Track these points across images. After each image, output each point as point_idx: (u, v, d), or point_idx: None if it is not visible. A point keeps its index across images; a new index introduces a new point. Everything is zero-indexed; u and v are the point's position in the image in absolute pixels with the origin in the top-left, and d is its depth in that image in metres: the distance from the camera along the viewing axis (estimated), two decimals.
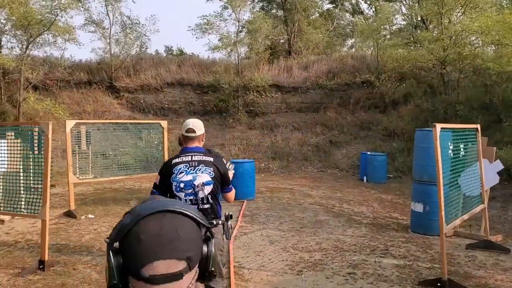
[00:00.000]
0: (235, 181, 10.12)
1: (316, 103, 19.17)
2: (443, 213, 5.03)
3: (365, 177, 14.01)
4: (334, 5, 25.42)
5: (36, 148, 7.02)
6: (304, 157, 17.15)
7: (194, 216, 0.99)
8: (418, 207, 7.65)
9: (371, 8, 26.01)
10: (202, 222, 1.01)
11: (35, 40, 17.05)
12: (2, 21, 16.76)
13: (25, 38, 16.64)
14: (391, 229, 8.06)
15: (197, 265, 0.99)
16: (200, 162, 3.53)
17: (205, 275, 1.03)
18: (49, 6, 16.88)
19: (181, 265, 0.94)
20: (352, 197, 11.28)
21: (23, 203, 6.39)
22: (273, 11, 24.90)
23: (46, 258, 5.71)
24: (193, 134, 3.63)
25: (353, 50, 24.83)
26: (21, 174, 6.99)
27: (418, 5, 17.24)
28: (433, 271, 5.76)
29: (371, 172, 13.83)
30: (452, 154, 5.94)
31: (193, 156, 3.56)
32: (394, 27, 20.69)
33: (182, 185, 3.45)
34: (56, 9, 16.67)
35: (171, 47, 25.08)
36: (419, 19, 19.94)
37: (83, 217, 8.75)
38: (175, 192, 3.45)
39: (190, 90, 19.68)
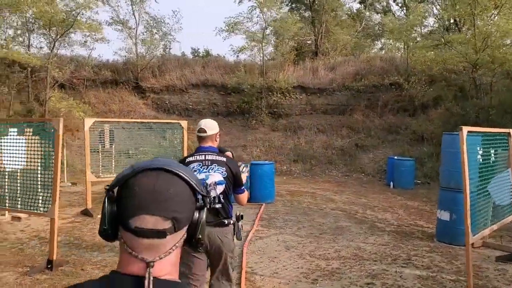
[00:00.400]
0: (253, 183, 9.93)
1: (342, 105, 18.75)
2: (469, 221, 4.65)
3: (391, 183, 13.53)
4: (363, 6, 24.89)
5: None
6: (328, 160, 16.77)
7: (189, 180, 1.03)
8: (444, 215, 7.22)
9: (402, 10, 25.37)
10: (197, 189, 1.04)
11: (62, 39, 17.25)
12: (30, 20, 17.03)
13: (52, 37, 16.85)
14: (416, 237, 7.65)
15: (185, 229, 1.04)
16: (213, 161, 3.50)
17: (192, 242, 1.07)
18: (69, 5, 17.07)
19: (167, 224, 0.98)
20: (377, 203, 10.86)
21: (40, 201, 6.27)
22: (301, 11, 24.54)
23: (55, 258, 5.58)
24: (204, 134, 3.60)
25: (383, 52, 24.27)
26: (39, 171, 6.89)
27: (451, 6, 16.59)
28: (458, 284, 5.35)
29: (398, 178, 13.35)
30: (481, 160, 5.53)
31: (207, 155, 3.53)
32: (425, 29, 20.03)
33: None
34: (77, 8, 16.80)
35: (198, 49, 25.09)
36: (452, 21, 19.32)
37: (99, 216, 8.65)
38: None
39: (214, 91, 19.58)
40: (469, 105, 15.38)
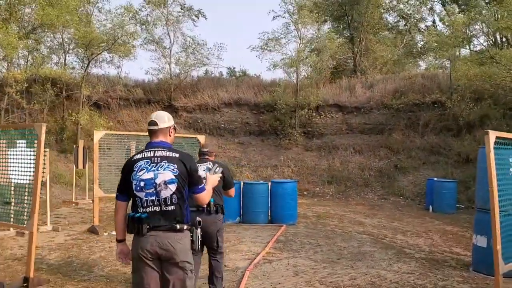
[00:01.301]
0: (274, 203, 9.22)
1: (381, 124, 17.76)
2: (498, 246, 3.80)
3: (431, 206, 12.43)
4: (405, 22, 23.89)
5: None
6: (364, 182, 15.78)
7: None
8: (481, 241, 6.24)
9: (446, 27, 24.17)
10: None
11: (96, 58, 17.47)
12: (66, 40, 17.37)
13: (86, 56, 17.07)
14: (448, 266, 6.66)
15: None
16: (163, 158, 3.10)
17: None
18: (112, 27, 17.30)
19: None
20: (410, 228, 9.85)
21: (25, 214, 5.87)
22: (339, 29, 23.88)
23: (31, 275, 5.12)
24: (155, 127, 3.20)
25: (424, 69, 23.12)
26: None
27: (496, 20, 15.47)
28: None
29: (438, 201, 12.22)
30: None
31: (156, 152, 3.12)
32: (473, 47, 18.77)
33: (142, 183, 3.03)
34: (119, 33, 17.01)
35: (234, 68, 24.84)
36: (499, 37, 18.12)
37: (106, 233, 8.23)
38: (135, 191, 3.04)
39: (246, 110, 19.15)
40: None
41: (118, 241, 3.22)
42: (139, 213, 3.00)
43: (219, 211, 4.69)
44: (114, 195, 3.28)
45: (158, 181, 3.02)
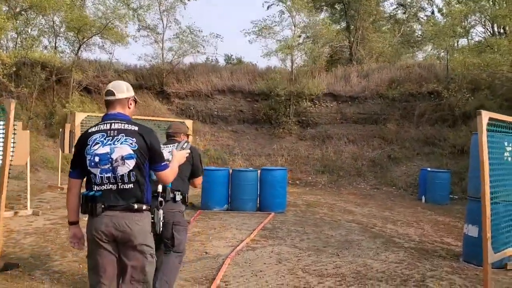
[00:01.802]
0: (263, 191, 8.97)
1: (375, 114, 17.52)
2: (488, 234, 3.58)
3: (423, 197, 12.23)
4: (403, 10, 23.51)
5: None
6: (357, 172, 15.58)
7: None
8: (472, 231, 6.03)
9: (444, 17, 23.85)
10: None
11: (87, 42, 17.12)
12: (57, 23, 16.98)
13: (78, 40, 16.72)
14: (438, 256, 6.46)
15: None
16: (120, 131, 2.81)
17: None
18: (104, 12, 16.94)
19: None
20: (401, 217, 9.65)
21: None
22: (336, 16, 23.51)
23: None
24: (112, 97, 2.91)
25: (421, 58, 22.82)
26: None
27: (493, 5, 15.18)
28: None
29: (431, 191, 12.03)
30: (510, 159, 4.40)
31: (113, 124, 2.85)
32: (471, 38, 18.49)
33: (97, 159, 2.75)
34: (110, 17, 16.67)
35: (231, 55, 24.48)
36: (496, 28, 17.84)
37: (86, 218, 7.97)
38: (89, 167, 2.76)
39: (240, 98, 18.83)
40: None
41: (70, 223, 2.93)
42: (93, 192, 2.73)
43: (179, 200, 3.93)
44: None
45: (114, 156, 2.74)
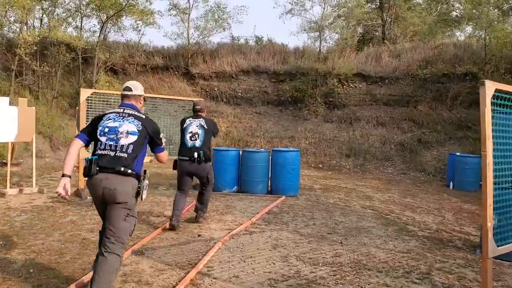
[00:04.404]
0: (274, 173, 8.55)
1: (407, 96, 16.65)
2: (489, 224, 3.07)
3: (451, 183, 11.50)
4: None
5: None
6: (385, 156, 14.88)
7: None
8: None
9: None
10: None
11: (114, 23, 17.03)
12: (83, 2, 16.95)
13: (102, 19, 16.65)
14: (452, 246, 5.89)
15: None
16: (130, 115, 3.59)
17: None
18: None
19: None
20: (423, 204, 9.03)
21: None
22: None
23: None
24: (129, 92, 3.75)
25: (458, 38, 21.49)
26: None
27: None
28: None
29: (460, 177, 11.28)
30: None
31: (126, 110, 3.64)
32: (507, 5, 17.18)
33: (106, 129, 3.47)
34: None
35: (262, 37, 23.85)
36: None
37: (89, 197, 7.82)
38: (98, 135, 3.48)
39: (265, 78, 18.32)
40: None
41: (63, 175, 3.37)
42: (94, 156, 3.39)
43: (207, 160, 6.15)
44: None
45: (121, 129, 3.45)
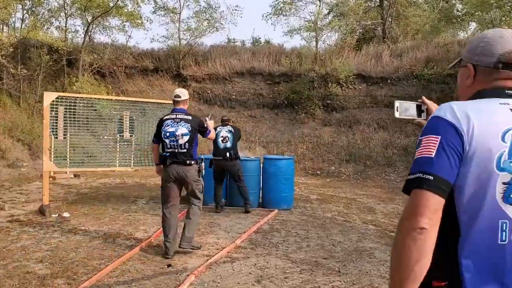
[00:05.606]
0: (265, 184, 7.64)
1: (410, 97, 15.69)
2: None
3: None
4: None
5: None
6: (387, 161, 13.97)
7: None
8: None
9: None
10: None
11: (98, 23, 16.18)
12: (68, 3, 16.11)
13: (87, 19, 15.80)
14: None
15: None
16: (181, 119, 5.17)
17: None
18: None
19: None
20: None
21: None
22: None
23: None
24: (179, 99, 5.28)
25: (463, 36, 20.59)
26: None
27: None
28: None
29: None
30: None
31: (177, 115, 5.21)
32: None
33: (167, 134, 5.13)
34: None
35: (259, 38, 23.00)
36: None
37: (55, 215, 6.94)
38: (163, 138, 5.16)
39: (260, 80, 17.41)
40: None
41: (156, 164, 5.41)
42: (165, 153, 5.14)
43: (237, 158, 7.72)
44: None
45: (177, 133, 5.08)
